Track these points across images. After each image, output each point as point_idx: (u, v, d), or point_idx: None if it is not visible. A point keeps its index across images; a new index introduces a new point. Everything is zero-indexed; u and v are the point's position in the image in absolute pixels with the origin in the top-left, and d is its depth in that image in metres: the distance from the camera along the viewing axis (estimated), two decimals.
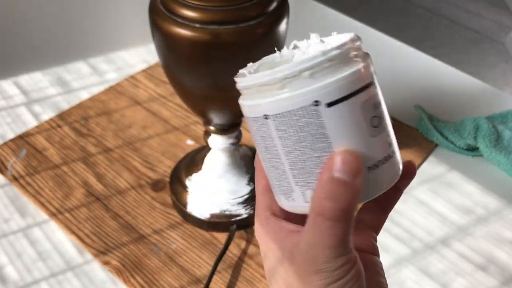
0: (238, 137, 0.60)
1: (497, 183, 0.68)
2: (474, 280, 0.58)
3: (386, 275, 0.59)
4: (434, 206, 0.65)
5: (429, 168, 0.70)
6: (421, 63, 0.83)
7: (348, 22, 1.00)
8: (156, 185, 0.66)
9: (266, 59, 0.35)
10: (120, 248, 0.59)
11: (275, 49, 0.35)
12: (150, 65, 0.86)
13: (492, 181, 0.69)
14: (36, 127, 0.74)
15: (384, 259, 0.60)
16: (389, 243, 0.61)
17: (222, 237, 0.61)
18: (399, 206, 0.66)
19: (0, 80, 0.83)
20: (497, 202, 0.66)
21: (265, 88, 0.29)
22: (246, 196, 0.61)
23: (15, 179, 0.67)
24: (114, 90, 0.81)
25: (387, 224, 0.64)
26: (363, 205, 0.39)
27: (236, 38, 0.46)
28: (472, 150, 0.72)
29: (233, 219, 0.60)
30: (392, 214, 0.66)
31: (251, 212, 0.61)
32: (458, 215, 0.64)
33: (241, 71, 0.33)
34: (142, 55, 0.89)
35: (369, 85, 0.29)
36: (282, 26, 0.49)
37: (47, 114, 0.77)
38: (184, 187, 0.62)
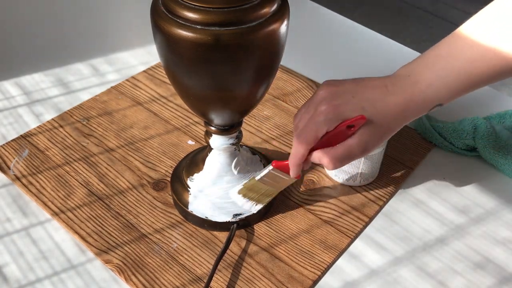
0: (239, 137, 0.60)
1: (495, 183, 0.69)
2: (472, 279, 0.58)
3: (383, 274, 0.59)
4: (432, 206, 0.66)
5: (427, 168, 0.71)
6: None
7: (347, 23, 1.00)
8: (157, 185, 0.67)
9: None
10: (121, 247, 0.60)
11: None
12: (151, 66, 0.87)
13: (490, 181, 0.69)
14: (38, 127, 0.75)
15: (382, 258, 0.60)
16: (386, 243, 0.62)
17: (222, 236, 0.61)
18: (397, 205, 0.67)
19: (2, 81, 0.84)
20: (494, 202, 0.66)
21: None
22: None
23: (17, 178, 0.67)
24: (115, 90, 0.82)
25: (384, 223, 0.64)
26: None
27: (237, 39, 0.46)
28: (470, 150, 0.72)
29: (234, 218, 0.61)
30: (390, 213, 0.67)
31: (251, 211, 0.61)
32: (454, 215, 0.65)
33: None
34: (143, 56, 0.90)
35: None
36: (283, 28, 0.50)
37: (48, 115, 0.77)
38: (185, 187, 0.63)
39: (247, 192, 0.59)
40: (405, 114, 0.53)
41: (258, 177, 0.58)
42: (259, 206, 0.61)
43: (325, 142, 0.53)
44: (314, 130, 0.53)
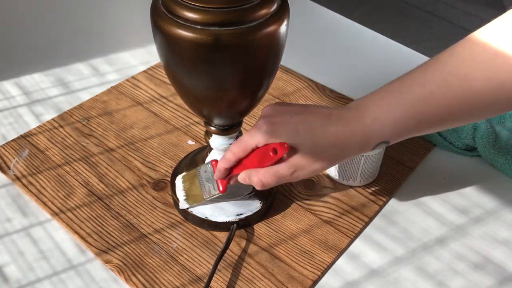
0: (239, 137, 0.60)
1: (495, 183, 0.69)
2: (472, 279, 0.58)
3: (383, 274, 0.59)
4: (431, 206, 0.66)
5: (427, 169, 0.71)
6: (420, 64, 0.84)
7: (347, 23, 1.00)
8: (157, 185, 0.67)
9: None
10: (121, 247, 0.60)
11: None
12: (151, 66, 0.87)
13: (490, 181, 0.69)
14: (38, 127, 0.75)
15: (382, 258, 0.60)
16: (386, 243, 0.62)
17: (222, 236, 0.61)
18: (397, 205, 0.67)
19: (2, 81, 0.84)
20: (494, 202, 0.66)
21: None
22: (246, 196, 0.62)
23: (17, 178, 0.67)
24: (115, 90, 0.82)
25: (384, 223, 0.64)
26: None
27: (237, 39, 0.46)
28: (470, 150, 0.72)
29: (234, 218, 0.61)
30: (390, 213, 0.67)
31: (251, 211, 0.61)
32: (454, 215, 0.65)
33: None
34: (143, 56, 0.90)
35: None
36: (283, 28, 0.50)
37: (48, 115, 0.77)
38: None
39: (185, 182, 0.62)
40: (342, 146, 0.51)
41: (199, 168, 0.61)
42: (185, 205, 0.61)
43: (255, 160, 0.53)
44: (245, 141, 0.53)
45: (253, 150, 0.53)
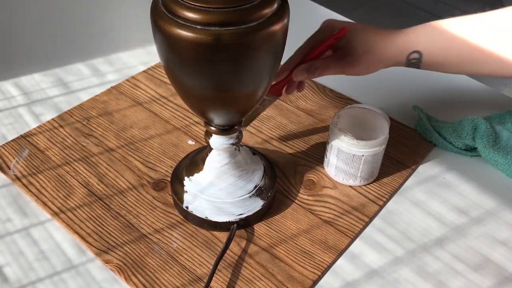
0: (239, 137, 0.60)
1: (495, 184, 0.69)
2: (470, 281, 0.58)
3: (383, 274, 0.59)
4: (431, 207, 0.66)
5: (427, 169, 0.71)
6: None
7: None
8: (157, 185, 0.67)
9: None
10: (121, 247, 0.60)
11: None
12: (151, 66, 0.87)
13: (490, 181, 0.69)
14: (38, 127, 0.75)
15: (382, 258, 0.60)
16: (386, 243, 0.62)
17: (222, 236, 0.61)
18: (397, 205, 0.67)
19: (1, 81, 0.84)
20: (494, 203, 0.66)
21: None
22: (246, 196, 0.62)
23: (17, 178, 0.67)
24: (115, 90, 0.82)
25: (385, 223, 0.64)
26: None
27: (237, 39, 0.46)
28: (470, 150, 0.72)
29: (234, 218, 0.61)
30: (390, 213, 0.67)
31: (251, 211, 0.61)
32: (454, 215, 0.65)
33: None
34: (143, 56, 0.90)
35: None
36: (283, 28, 0.50)
37: (49, 115, 0.77)
38: (185, 187, 0.63)
39: None
40: (385, 51, 0.63)
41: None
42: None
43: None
44: (307, 42, 0.66)
45: (312, 50, 0.65)
